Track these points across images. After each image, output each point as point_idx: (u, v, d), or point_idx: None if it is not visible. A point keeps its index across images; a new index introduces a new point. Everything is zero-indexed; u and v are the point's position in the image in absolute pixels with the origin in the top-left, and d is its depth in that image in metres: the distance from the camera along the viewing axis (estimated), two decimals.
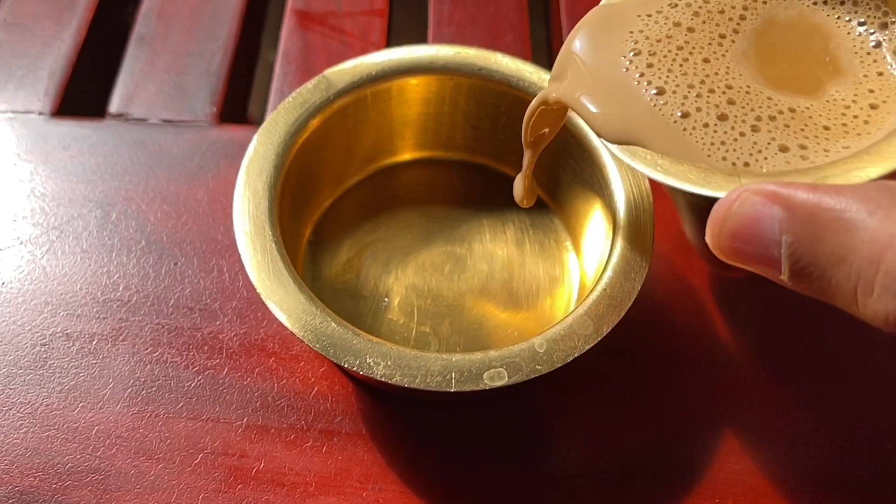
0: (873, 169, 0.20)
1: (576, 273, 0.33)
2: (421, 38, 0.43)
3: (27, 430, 0.30)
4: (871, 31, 0.24)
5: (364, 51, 0.41)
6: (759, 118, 0.23)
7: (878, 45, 0.24)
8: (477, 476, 0.29)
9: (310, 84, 0.31)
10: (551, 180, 0.34)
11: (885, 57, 0.23)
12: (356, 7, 0.44)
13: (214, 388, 0.31)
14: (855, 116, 0.22)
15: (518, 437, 0.30)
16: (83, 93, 0.41)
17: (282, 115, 0.30)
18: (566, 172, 0.33)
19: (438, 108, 0.34)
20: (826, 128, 0.22)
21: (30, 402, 0.30)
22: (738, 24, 0.25)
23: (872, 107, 0.23)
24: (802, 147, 0.22)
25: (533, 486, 0.29)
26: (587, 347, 0.26)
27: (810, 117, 0.23)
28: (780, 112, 0.23)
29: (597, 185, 0.31)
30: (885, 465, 0.30)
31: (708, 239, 0.20)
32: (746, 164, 0.22)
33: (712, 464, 0.30)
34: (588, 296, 0.27)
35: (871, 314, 0.17)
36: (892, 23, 0.24)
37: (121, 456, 0.29)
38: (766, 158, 0.22)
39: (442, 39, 0.42)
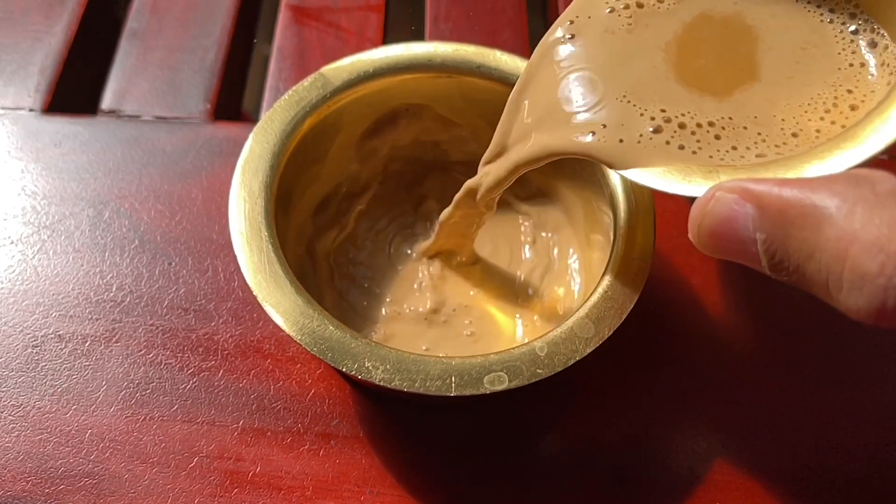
0: (853, 154, 0.20)
1: (577, 274, 0.32)
2: (417, 35, 0.43)
3: (19, 433, 0.29)
4: (843, 20, 0.24)
5: (360, 47, 0.41)
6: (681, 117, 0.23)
7: (856, 32, 0.24)
8: (476, 479, 0.29)
9: (306, 82, 0.30)
10: (551, 180, 0.34)
11: (861, 48, 0.23)
12: (352, 2, 0.43)
13: (209, 390, 0.30)
14: (833, 122, 0.22)
15: (516, 439, 0.30)
16: (75, 89, 0.40)
17: (277, 113, 0.30)
18: (565, 172, 0.33)
19: (436, 105, 0.33)
20: (794, 135, 0.22)
21: (21, 404, 0.30)
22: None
23: (853, 108, 0.22)
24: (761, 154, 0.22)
25: (532, 488, 0.29)
26: (588, 351, 0.25)
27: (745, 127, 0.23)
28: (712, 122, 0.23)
29: (596, 184, 0.30)
30: (885, 466, 0.30)
31: (690, 236, 0.21)
32: (681, 147, 0.22)
33: (712, 466, 0.30)
34: (589, 298, 0.26)
35: (845, 308, 0.17)
36: (861, 13, 0.24)
37: (114, 460, 0.29)
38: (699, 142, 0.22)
39: (439, 36, 0.42)
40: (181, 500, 0.28)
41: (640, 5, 0.25)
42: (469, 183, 0.28)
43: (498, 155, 0.26)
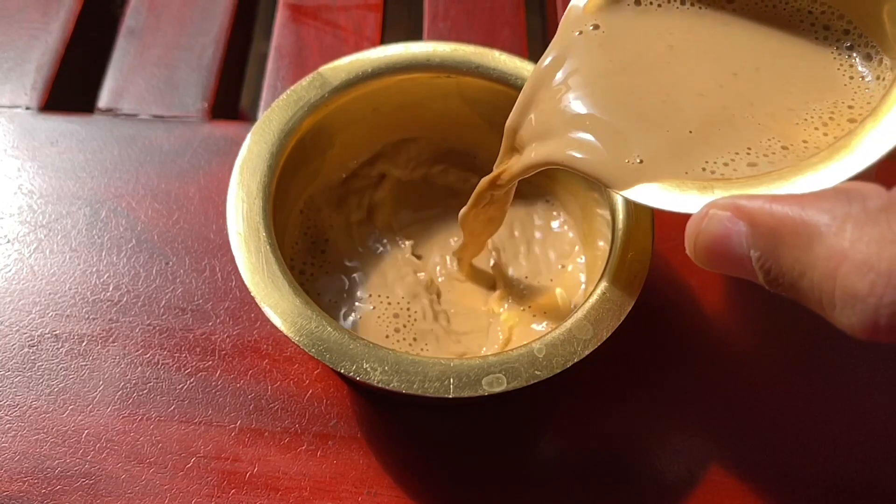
0: (847, 165, 0.20)
1: (575, 275, 0.32)
2: (416, 34, 0.43)
3: (15, 433, 0.29)
4: (838, 37, 0.24)
5: (358, 46, 0.41)
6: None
7: (851, 47, 0.24)
8: (474, 480, 0.29)
9: (304, 81, 0.30)
10: (550, 180, 0.34)
11: (857, 62, 0.23)
12: (350, 1, 0.43)
13: (207, 390, 0.30)
14: (825, 134, 0.22)
15: (514, 440, 0.30)
16: (71, 87, 0.40)
17: (276, 113, 0.30)
18: (565, 173, 0.33)
19: (435, 105, 0.33)
20: (784, 147, 0.22)
21: (18, 404, 0.30)
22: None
23: (851, 121, 0.22)
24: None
25: (530, 488, 0.29)
26: (586, 352, 0.25)
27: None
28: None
29: (594, 185, 0.30)
30: (882, 468, 0.30)
31: (686, 252, 0.21)
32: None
33: (710, 467, 0.30)
34: (587, 299, 0.26)
35: (839, 324, 0.17)
36: (855, 28, 0.24)
37: (111, 460, 0.29)
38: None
39: (437, 35, 0.42)
40: (178, 500, 0.28)
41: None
42: (485, 179, 0.28)
43: (510, 152, 0.26)
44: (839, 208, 0.17)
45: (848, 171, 0.20)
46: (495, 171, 0.27)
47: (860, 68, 0.23)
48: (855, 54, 0.24)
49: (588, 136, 0.23)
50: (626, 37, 0.25)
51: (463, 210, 0.29)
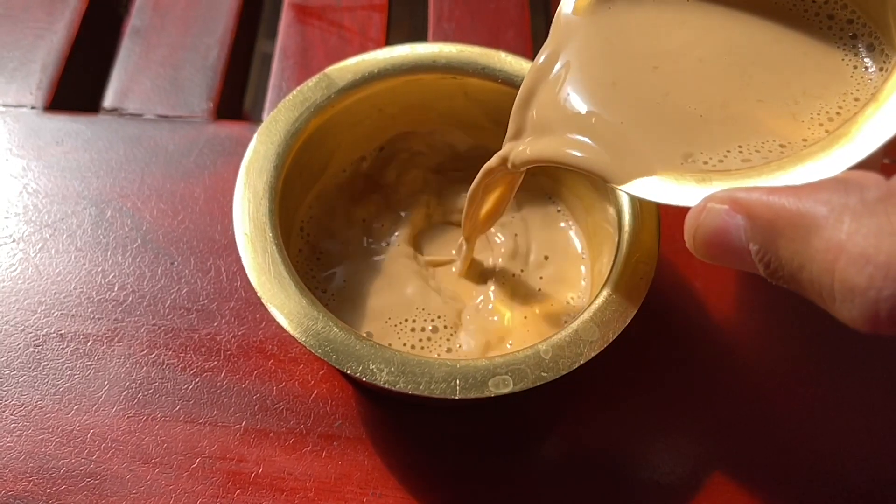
0: (847, 153, 0.20)
1: (581, 275, 0.32)
2: (420, 34, 0.43)
3: (21, 433, 0.29)
4: (841, 26, 0.24)
5: (363, 46, 0.41)
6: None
7: (855, 37, 0.24)
8: (479, 481, 0.29)
9: (311, 82, 0.30)
10: (555, 182, 0.34)
11: (861, 52, 0.23)
12: (355, 2, 0.43)
13: (212, 390, 0.30)
14: (827, 132, 0.22)
15: (520, 441, 0.30)
16: (77, 87, 0.40)
17: (282, 113, 0.30)
18: (569, 174, 0.33)
19: (440, 106, 0.33)
20: (782, 146, 0.22)
21: (23, 404, 0.30)
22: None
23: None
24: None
25: (535, 490, 0.29)
26: (592, 354, 0.25)
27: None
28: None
29: (600, 187, 0.30)
30: (886, 470, 0.30)
31: (687, 246, 0.21)
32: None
33: (714, 469, 0.30)
34: (594, 301, 0.26)
35: (840, 317, 0.17)
36: (858, 18, 0.24)
37: (116, 460, 0.29)
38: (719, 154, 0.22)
39: (442, 36, 0.42)
40: (183, 500, 0.28)
41: None
42: (495, 158, 0.27)
43: (517, 134, 0.26)
44: (837, 199, 0.17)
45: (848, 160, 0.20)
46: (503, 152, 0.27)
47: (864, 58, 0.23)
48: (859, 44, 0.23)
49: (585, 135, 0.23)
50: (620, 29, 0.25)
51: (473, 184, 0.29)
